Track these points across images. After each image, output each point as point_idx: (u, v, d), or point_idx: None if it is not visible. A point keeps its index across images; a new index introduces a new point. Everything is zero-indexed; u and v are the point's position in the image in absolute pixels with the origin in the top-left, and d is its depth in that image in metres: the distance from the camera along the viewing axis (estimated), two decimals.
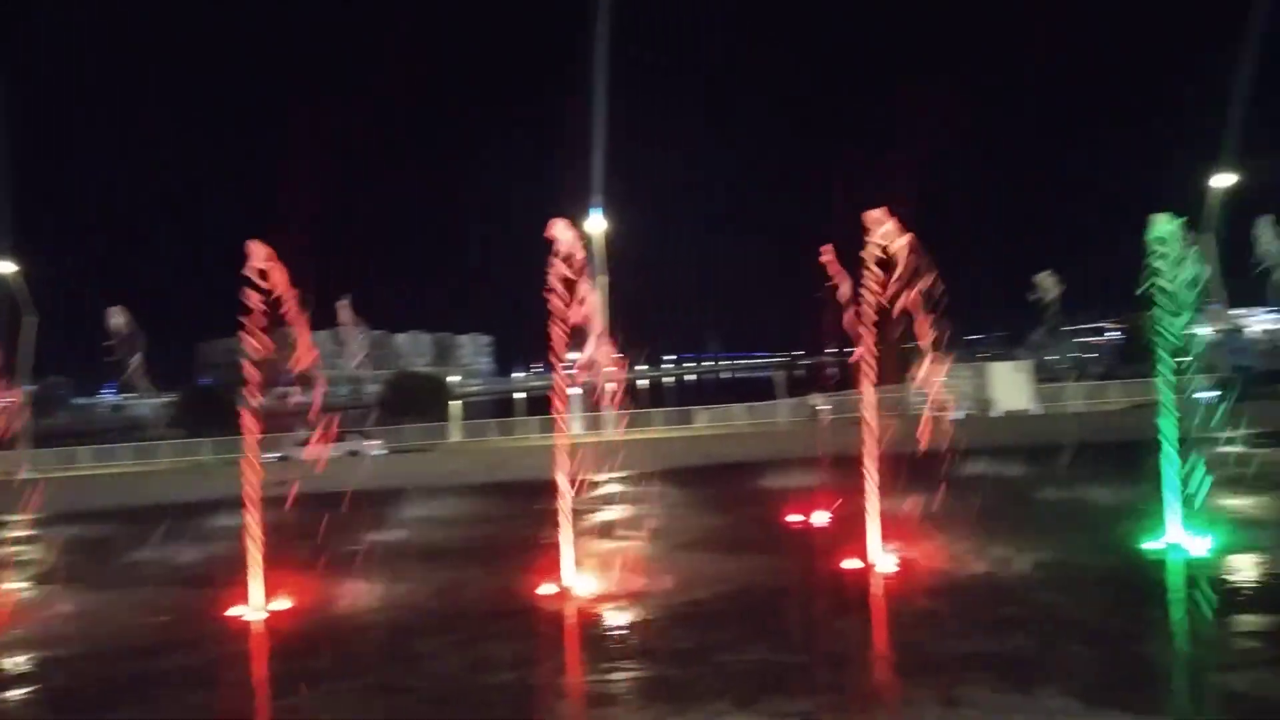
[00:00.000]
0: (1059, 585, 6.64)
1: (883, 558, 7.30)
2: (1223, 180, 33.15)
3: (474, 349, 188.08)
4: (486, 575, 8.20)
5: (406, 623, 6.80)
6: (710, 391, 69.54)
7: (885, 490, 7.72)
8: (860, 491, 7.54)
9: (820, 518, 9.42)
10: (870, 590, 6.83)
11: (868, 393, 7.55)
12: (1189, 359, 7.27)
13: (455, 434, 33.84)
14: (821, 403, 27.88)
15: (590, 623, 6.46)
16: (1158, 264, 6.95)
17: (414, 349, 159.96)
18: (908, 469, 7.81)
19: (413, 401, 37.65)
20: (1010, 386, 29.64)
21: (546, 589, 7.21)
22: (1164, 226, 7.07)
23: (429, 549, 9.72)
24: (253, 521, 7.15)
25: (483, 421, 37.06)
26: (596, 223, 32.32)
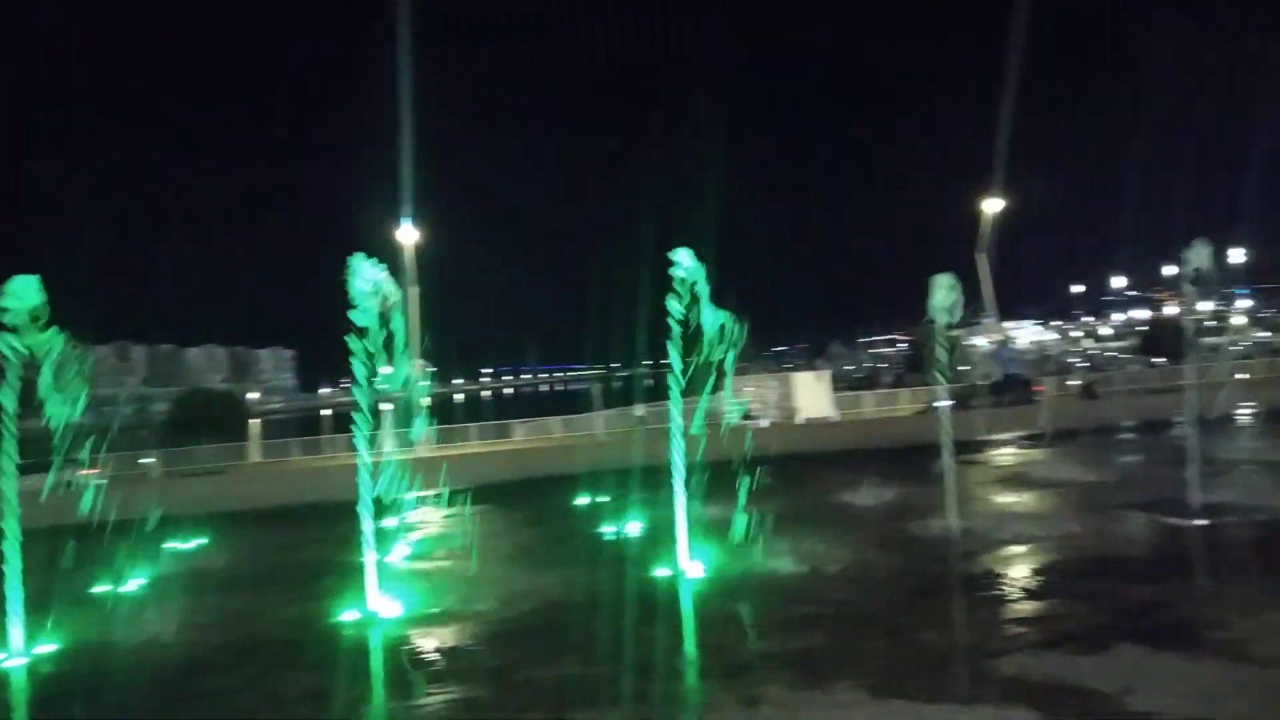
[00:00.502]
0: (855, 582, 7.00)
1: (692, 565, 7.46)
2: (993, 204, 36.48)
3: (275, 364, 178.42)
4: (283, 603, 7.75)
5: (193, 659, 6.29)
6: (529, 404, 69.34)
7: (694, 498, 7.90)
8: (671, 500, 7.67)
9: (634, 528, 9.52)
10: (679, 597, 6.96)
11: (675, 404, 7.72)
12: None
13: (254, 454, 31.98)
14: (642, 413, 28.37)
15: (395, 647, 6.21)
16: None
17: (208, 364, 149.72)
18: (717, 477, 8.02)
19: (205, 420, 35.27)
20: (812, 395, 31.25)
21: (349, 614, 6.88)
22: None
23: (219, 578, 9.07)
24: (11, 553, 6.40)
25: (284, 441, 35.20)
26: (407, 232, 31.45)
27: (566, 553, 8.97)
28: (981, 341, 41.67)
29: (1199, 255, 9.10)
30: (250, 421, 37.95)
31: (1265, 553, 7.09)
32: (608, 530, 9.65)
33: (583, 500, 11.35)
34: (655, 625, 6.30)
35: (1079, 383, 33.04)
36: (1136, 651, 4.94)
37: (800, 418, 29.70)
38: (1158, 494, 9.37)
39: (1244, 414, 17.85)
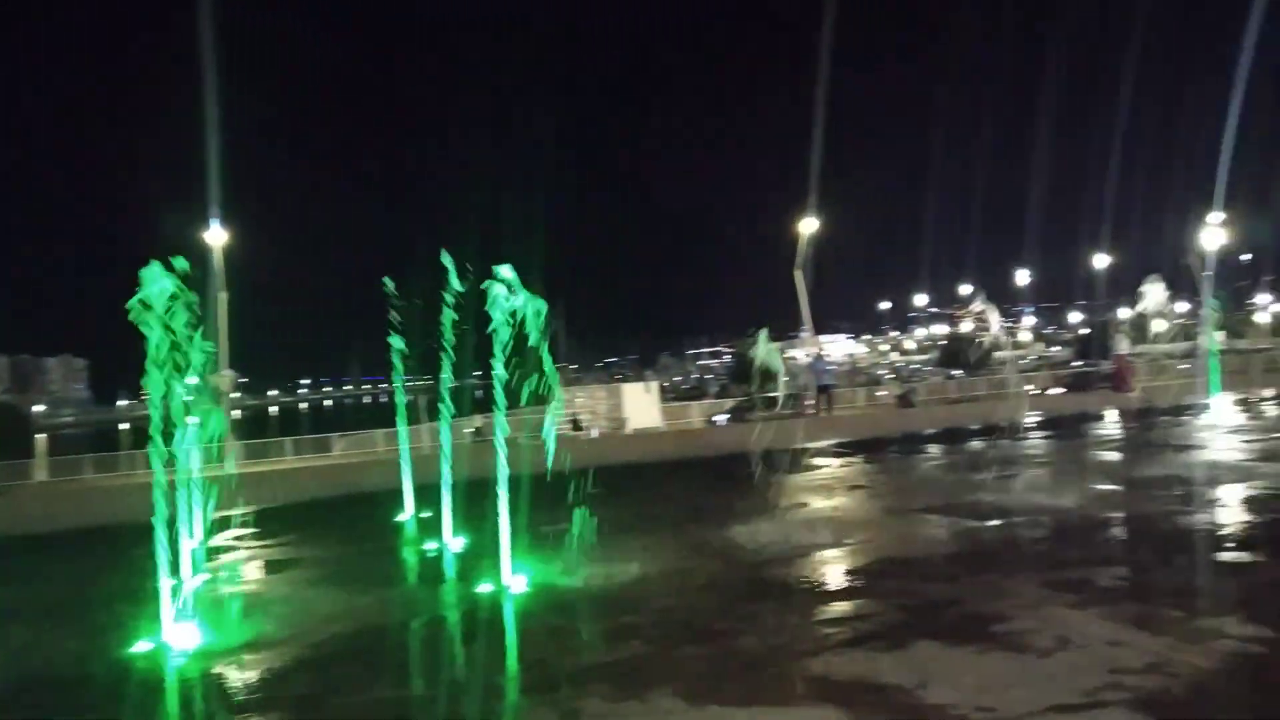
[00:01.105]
0: (676, 590, 7.12)
1: (515, 579, 7.36)
2: (809, 224, 38.38)
3: (65, 374, 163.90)
4: (68, 637, 7.05)
5: None
6: (350, 417, 66.78)
7: (519, 511, 7.83)
8: (495, 513, 7.55)
9: (457, 543, 9.31)
10: (501, 613, 6.86)
11: (498, 416, 7.63)
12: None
13: (40, 473, 29.22)
14: (479, 425, 27.85)
15: (193, 679, 5.79)
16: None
17: None
18: (543, 489, 7.96)
19: None
20: (640, 406, 31.75)
21: (142, 646, 6.35)
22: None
23: None
24: None
25: (76, 458, 32.35)
26: (215, 234, 29.70)
27: (385, 571, 8.66)
28: (800, 354, 43.67)
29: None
30: (36, 437, 34.76)
31: (1047, 550, 7.75)
32: (429, 546, 9.40)
33: (404, 516, 11.01)
34: (475, 643, 6.18)
35: (897, 392, 35.19)
36: (932, 647, 5.27)
37: (629, 428, 30.12)
38: (955, 498, 10.09)
39: (1030, 422, 19.52)
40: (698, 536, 9.11)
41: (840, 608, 6.38)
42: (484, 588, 7.38)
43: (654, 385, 35.99)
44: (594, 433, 28.86)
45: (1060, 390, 31.20)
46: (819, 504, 10.85)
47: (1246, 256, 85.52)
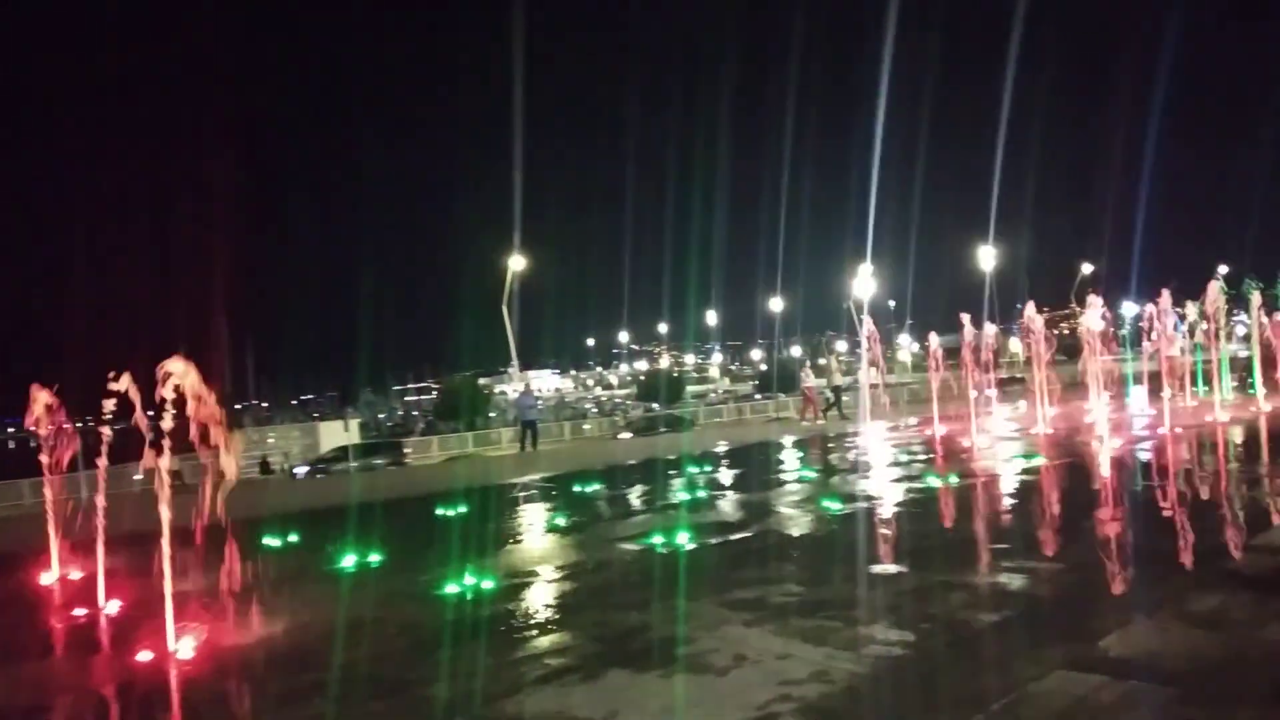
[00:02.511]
0: (362, 642, 6.73)
1: (181, 643, 6.62)
2: (517, 262, 38.87)
3: None
4: None
5: None
6: None
7: (186, 567, 7.09)
8: (160, 571, 6.77)
9: (113, 606, 8.23)
10: (165, 683, 6.12)
11: (148, 461, 6.88)
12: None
13: None
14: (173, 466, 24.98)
15: None
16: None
17: None
18: (214, 538, 7.24)
19: None
20: (340, 444, 30.22)
21: None
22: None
23: None
24: None
25: None
26: None
27: (24, 643, 7.45)
28: (508, 389, 43.80)
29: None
30: None
31: (724, 569, 8.25)
32: (80, 611, 8.24)
33: (50, 577, 9.61)
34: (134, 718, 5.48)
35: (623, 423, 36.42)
36: (622, 675, 5.41)
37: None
38: (648, 526, 10.51)
39: (720, 449, 20.88)
40: (390, 582, 8.76)
41: (537, 644, 6.37)
42: (144, 654, 6.56)
43: (354, 423, 34.38)
44: (298, 472, 27.06)
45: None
46: (518, 541, 10.85)
47: (892, 302, 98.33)
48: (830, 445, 20.34)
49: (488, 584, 8.16)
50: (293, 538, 11.16)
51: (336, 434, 31.13)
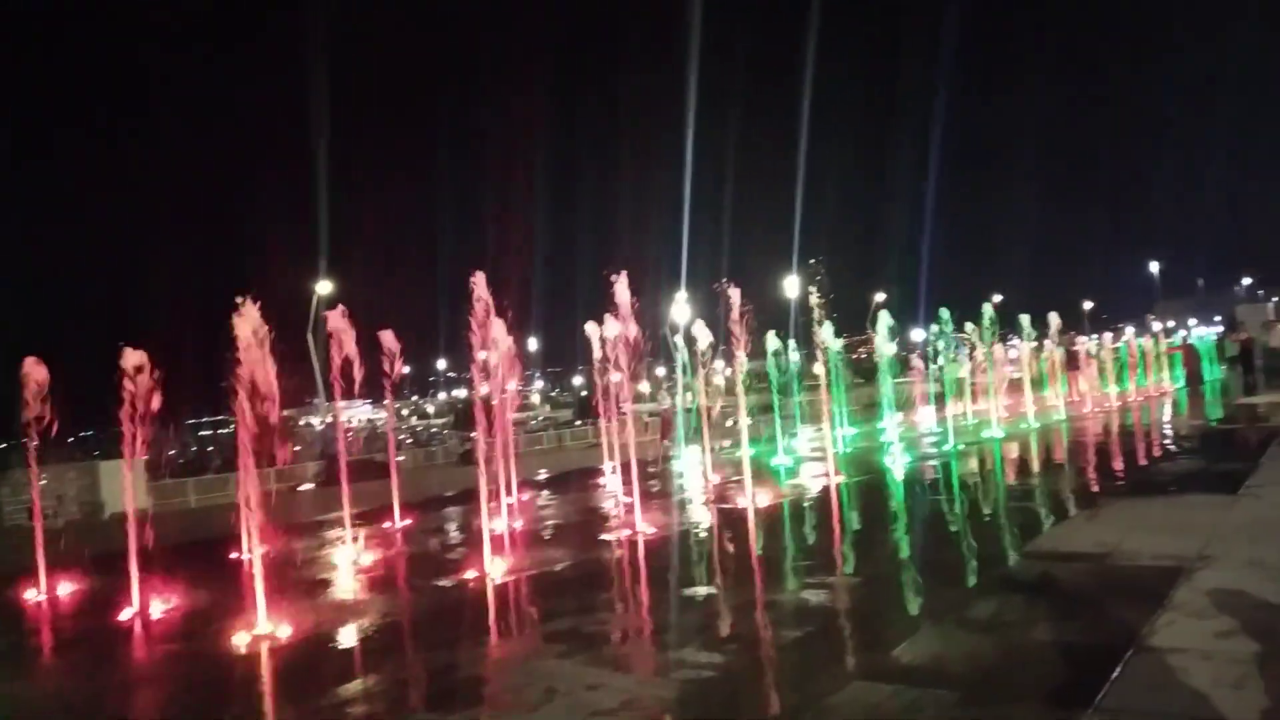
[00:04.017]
0: (155, 695, 6.17)
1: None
2: (323, 286, 37.28)
3: None
4: None
5: None
6: None
7: None
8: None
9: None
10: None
11: None
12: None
13: None
14: None
15: None
16: None
17: None
18: None
19: None
20: (122, 485, 27.72)
21: None
22: None
23: None
24: None
25: None
26: None
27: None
28: (315, 421, 41.78)
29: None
30: None
31: (539, 601, 8.14)
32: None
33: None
34: None
35: (459, 450, 35.31)
36: (429, 718, 5.20)
37: (108, 512, 26.06)
38: (460, 561, 10.22)
39: (540, 477, 20.72)
40: (190, 625, 8.11)
41: (344, 690, 6.02)
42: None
43: (139, 461, 31.65)
44: (59, 520, 24.52)
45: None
46: (326, 581, 10.31)
47: (707, 329, 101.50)
48: (650, 470, 20.61)
49: (284, 631, 7.66)
50: (109, 583, 10.14)
51: (116, 474, 28.53)
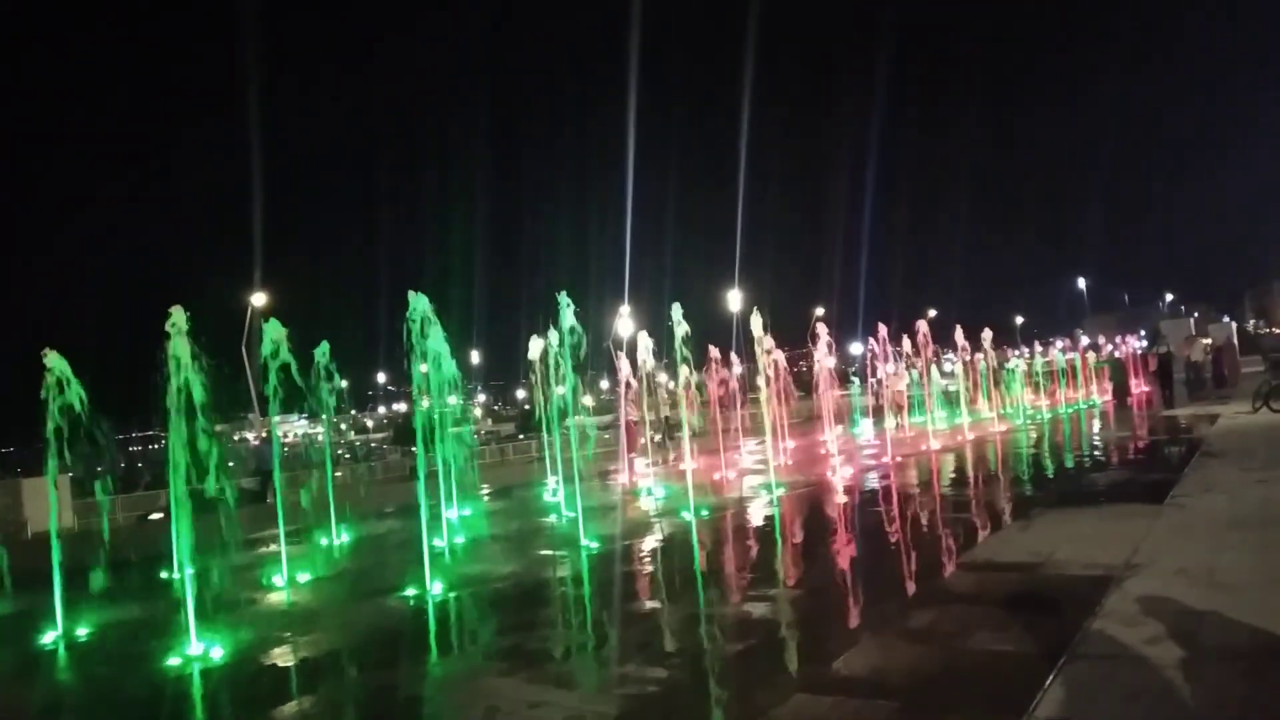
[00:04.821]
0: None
1: None
2: (258, 298, 36.55)
3: None
4: None
5: None
6: None
7: None
8: None
9: None
10: None
11: None
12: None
13: None
14: None
15: None
16: None
17: None
18: None
19: None
20: (45, 503, 26.72)
21: None
22: None
23: None
24: None
25: None
26: None
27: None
28: (250, 437, 40.79)
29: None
30: None
31: (480, 618, 8.04)
32: None
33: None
34: None
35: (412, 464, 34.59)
36: None
37: (29, 531, 25.10)
38: (403, 575, 10.04)
39: (486, 494, 20.50)
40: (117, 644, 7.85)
41: (278, 713, 5.87)
42: None
43: (65, 478, 30.55)
44: None
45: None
46: (268, 601, 10.06)
47: (650, 341, 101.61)
48: (595, 483, 20.52)
49: (216, 651, 7.45)
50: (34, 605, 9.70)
51: (43, 491, 27.49)
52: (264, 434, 31.26)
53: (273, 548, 14.29)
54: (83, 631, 8.93)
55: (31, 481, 29.91)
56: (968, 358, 26.89)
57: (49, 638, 8.75)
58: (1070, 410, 31.20)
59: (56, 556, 8.93)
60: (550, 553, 11.38)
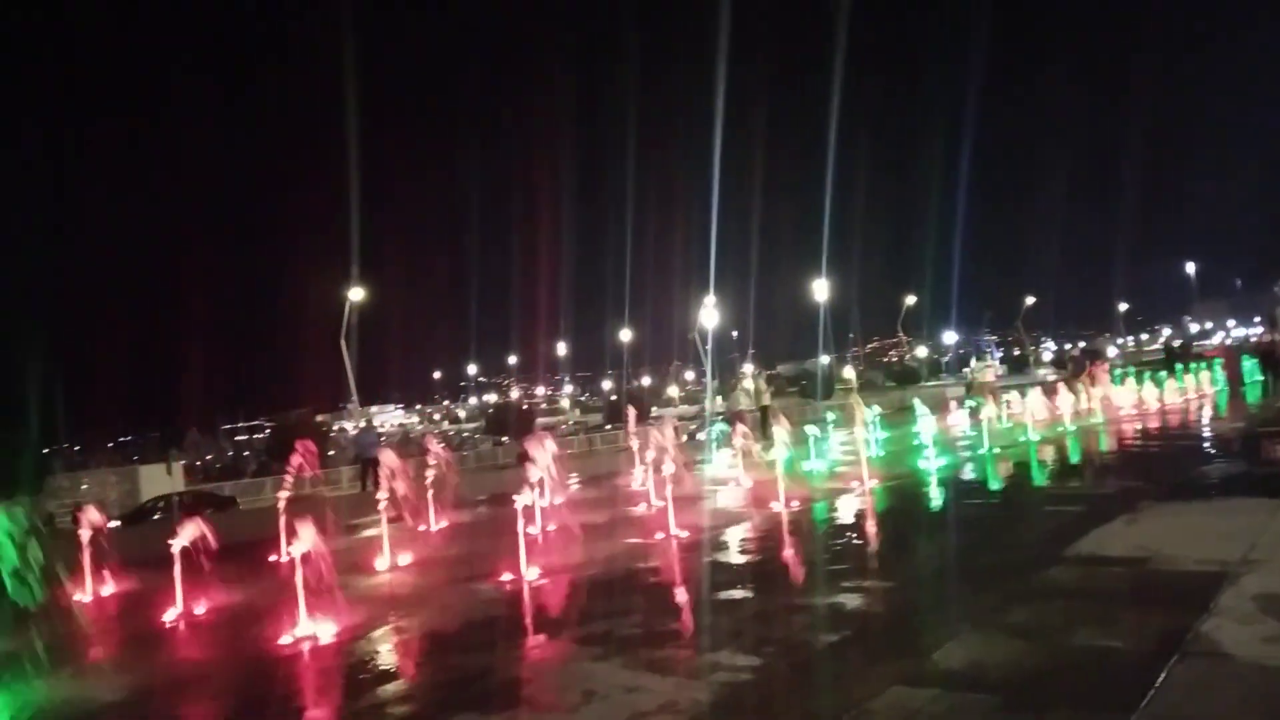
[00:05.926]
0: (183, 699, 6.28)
1: None
2: (355, 293, 37.64)
3: None
4: None
5: None
6: None
7: None
8: None
9: None
10: None
11: None
12: None
13: None
14: None
15: None
16: None
17: None
18: None
19: None
20: (160, 490, 28.23)
21: None
22: None
23: None
24: None
25: None
26: None
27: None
28: (348, 426, 42.23)
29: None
30: None
31: (568, 607, 8.18)
32: None
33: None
34: None
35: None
36: (471, 718, 5.26)
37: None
38: (497, 564, 10.27)
39: (573, 483, 20.74)
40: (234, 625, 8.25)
41: (383, 691, 6.11)
42: None
43: (177, 466, 32.25)
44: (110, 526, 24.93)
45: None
46: (362, 584, 10.42)
47: (735, 332, 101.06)
48: (678, 475, 20.54)
49: (328, 631, 7.77)
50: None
51: (158, 479, 29.06)
52: (362, 424, 32.36)
53: (374, 532, 14.79)
54: (200, 611, 9.40)
55: (148, 469, 31.73)
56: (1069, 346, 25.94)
57: (169, 614, 9.24)
58: (1181, 400, 29.80)
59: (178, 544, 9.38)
60: (640, 540, 11.47)
